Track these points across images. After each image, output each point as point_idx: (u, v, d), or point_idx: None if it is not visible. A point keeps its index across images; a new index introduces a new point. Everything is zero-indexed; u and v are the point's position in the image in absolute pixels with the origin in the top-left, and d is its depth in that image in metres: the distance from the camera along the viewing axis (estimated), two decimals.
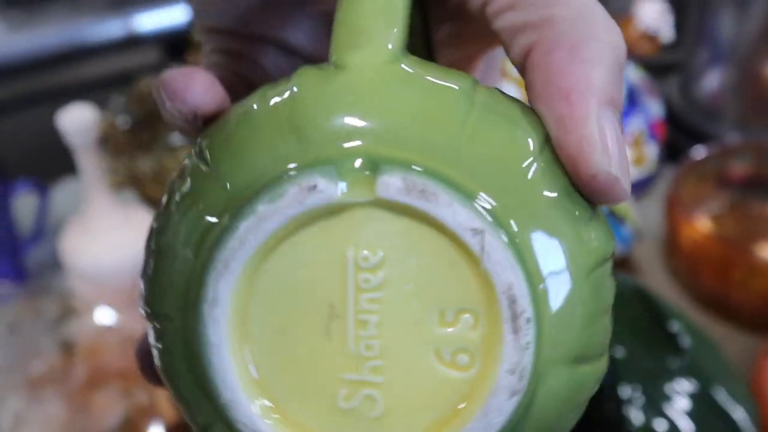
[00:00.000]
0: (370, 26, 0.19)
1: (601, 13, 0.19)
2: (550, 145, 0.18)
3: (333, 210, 0.18)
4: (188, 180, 0.19)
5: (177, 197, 0.19)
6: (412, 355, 0.18)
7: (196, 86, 0.20)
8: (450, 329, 0.18)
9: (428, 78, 0.19)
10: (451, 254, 0.18)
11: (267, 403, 0.19)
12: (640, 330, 0.55)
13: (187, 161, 0.20)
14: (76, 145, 0.60)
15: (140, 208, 0.65)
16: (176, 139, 0.74)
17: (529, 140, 0.18)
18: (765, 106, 0.81)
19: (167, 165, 0.70)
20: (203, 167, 0.19)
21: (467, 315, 0.18)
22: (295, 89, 0.19)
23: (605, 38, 0.19)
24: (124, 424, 0.56)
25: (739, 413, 0.53)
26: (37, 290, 0.63)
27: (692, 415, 0.51)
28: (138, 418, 0.56)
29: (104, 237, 0.61)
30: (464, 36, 0.25)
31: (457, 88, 0.19)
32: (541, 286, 0.18)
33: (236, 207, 0.18)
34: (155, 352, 0.20)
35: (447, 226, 0.17)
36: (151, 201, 0.66)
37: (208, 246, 0.18)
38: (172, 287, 0.19)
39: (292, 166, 0.18)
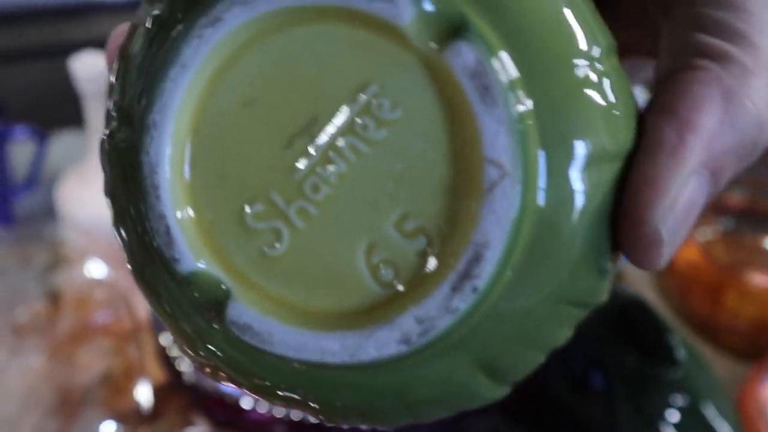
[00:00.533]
0: None
1: None
2: (627, 160, 0.16)
3: (388, 31, 0.15)
4: None
5: None
6: (346, 230, 0.16)
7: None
8: (399, 236, 0.16)
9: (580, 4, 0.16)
10: (461, 173, 0.15)
11: (185, 171, 0.16)
12: (638, 340, 0.55)
13: None
14: (86, 92, 0.58)
15: None
16: None
17: (620, 139, 0.16)
18: None
19: None
20: None
21: (424, 238, 0.16)
22: None
23: (764, 115, 0.16)
24: (106, 382, 0.54)
25: (725, 431, 0.53)
26: (26, 237, 0.61)
27: (680, 428, 0.52)
28: (122, 377, 0.54)
29: None
30: (626, 19, 0.21)
31: (594, 37, 0.16)
32: (509, 273, 0.16)
33: None
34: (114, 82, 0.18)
35: (480, 142, 0.15)
36: None
37: None
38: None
39: None
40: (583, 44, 0.16)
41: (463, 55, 0.15)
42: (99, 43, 0.65)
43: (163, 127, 0.16)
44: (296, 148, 0.16)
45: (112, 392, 0.53)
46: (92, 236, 0.60)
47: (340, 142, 0.16)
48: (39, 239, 0.60)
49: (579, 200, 0.16)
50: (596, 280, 0.17)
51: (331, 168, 0.16)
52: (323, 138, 0.16)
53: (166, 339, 0.51)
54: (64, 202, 0.61)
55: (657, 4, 0.19)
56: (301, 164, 0.16)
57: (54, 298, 0.57)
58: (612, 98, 0.16)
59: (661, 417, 0.52)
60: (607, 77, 0.16)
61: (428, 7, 0.15)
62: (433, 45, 0.15)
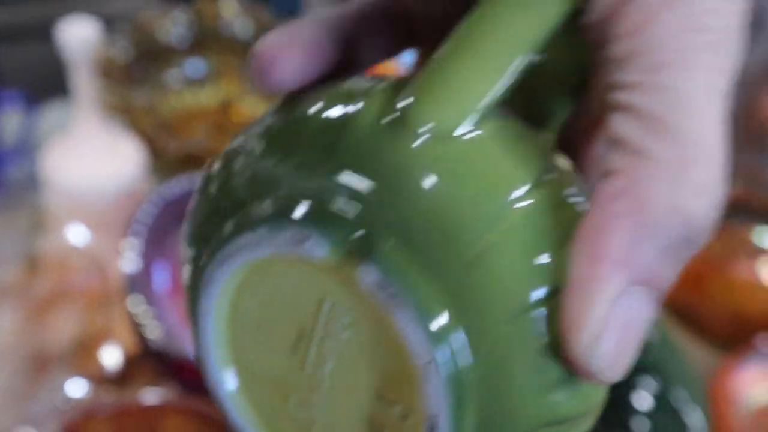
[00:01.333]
0: (459, 82, 0.18)
1: (702, 171, 0.15)
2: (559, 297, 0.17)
3: (312, 263, 0.18)
4: (252, 144, 0.20)
5: (236, 153, 0.20)
6: (350, 411, 0.19)
7: (284, 66, 0.19)
8: (382, 412, 0.19)
9: (485, 163, 0.17)
10: (400, 356, 0.18)
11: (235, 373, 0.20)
12: None
13: (252, 130, 0.20)
14: (74, 60, 0.59)
15: (127, 137, 0.64)
16: (172, 80, 0.73)
17: (539, 289, 0.17)
18: (756, 137, 0.82)
19: (158, 104, 0.70)
20: (258, 145, 0.20)
21: (399, 408, 0.18)
22: (356, 115, 0.18)
23: (688, 209, 0.15)
24: (77, 345, 0.55)
25: (695, 418, 0.52)
26: (10, 202, 0.62)
27: (649, 412, 0.51)
28: (93, 343, 0.55)
29: (89, 157, 0.60)
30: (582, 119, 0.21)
31: (510, 189, 0.17)
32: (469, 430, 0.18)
33: (265, 197, 0.19)
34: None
35: (403, 341, 0.17)
36: (141, 133, 0.65)
37: (235, 224, 0.19)
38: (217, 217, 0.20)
39: (305, 199, 0.18)
40: (485, 208, 0.17)
41: (369, 275, 0.17)
42: (86, 13, 0.66)
43: (206, 328, 0.20)
44: (300, 350, 0.19)
45: (83, 356, 0.54)
46: (74, 203, 0.60)
47: (324, 344, 0.19)
48: (22, 205, 0.61)
49: (511, 353, 0.17)
50: (565, 394, 0.17)
51: (324, 364, 0.19)
52: (313, 341, 0.19)
53: (134, 305, 0.52)
54: (49, 169, 0.61)
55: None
56: (306, 362, 0.19)
57: (32, 263, 0.58)
58: (533, 246, 0.17)
59: (629, 400, 0.51)
60: (521, 223, 0.17)
61: (332, 245, 0.18)
62: (349, 271, 0.18)
